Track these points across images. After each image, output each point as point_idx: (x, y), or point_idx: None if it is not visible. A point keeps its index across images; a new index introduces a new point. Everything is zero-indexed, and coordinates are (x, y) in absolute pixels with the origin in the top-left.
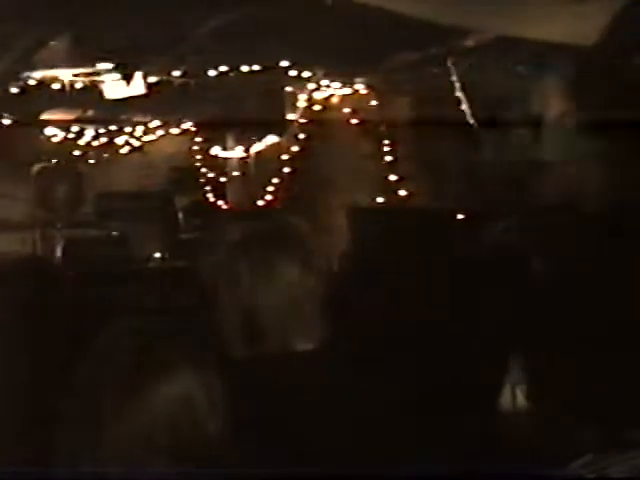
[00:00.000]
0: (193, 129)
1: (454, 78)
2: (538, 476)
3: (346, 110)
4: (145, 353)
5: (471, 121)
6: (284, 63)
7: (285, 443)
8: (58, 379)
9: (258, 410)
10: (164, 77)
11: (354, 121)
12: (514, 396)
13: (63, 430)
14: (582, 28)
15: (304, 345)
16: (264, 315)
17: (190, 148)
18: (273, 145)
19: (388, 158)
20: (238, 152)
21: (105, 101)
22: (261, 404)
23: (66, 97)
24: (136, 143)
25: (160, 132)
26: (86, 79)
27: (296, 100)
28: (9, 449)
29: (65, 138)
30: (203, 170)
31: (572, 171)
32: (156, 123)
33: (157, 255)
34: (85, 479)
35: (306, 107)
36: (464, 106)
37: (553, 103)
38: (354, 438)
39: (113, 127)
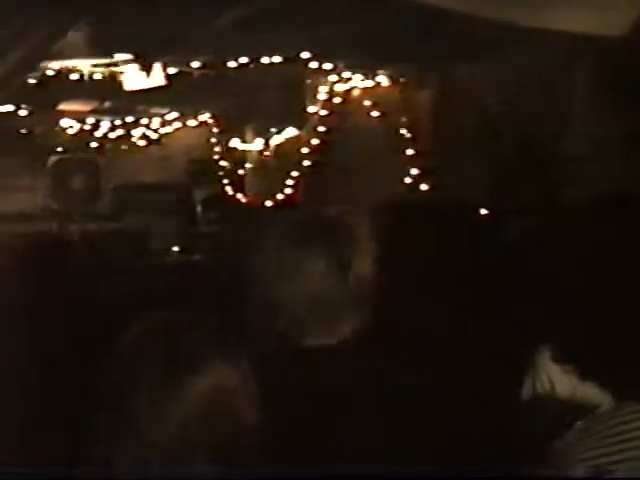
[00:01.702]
0: (211, 121)
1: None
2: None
3: (367, 103)
4: (167, 347)
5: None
6: (305, 55)
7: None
8: (71, 374)
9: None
10: (184, 69)
11: (375, 114)
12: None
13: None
14: (612, 19)
15: (331, 339)
16: (288, 309)
17: (208, 140)
18: (293, 138)
19: (410, 151)
20: (257, 145)
21: (124, 92)
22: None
23: (85, 88)
24: (153, 135)
25: (178, 124)
26: (105, 70)
27: (316, 92)
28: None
29: (82, 129)
30: (221, 162)
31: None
32: (174, 115)
33: (175, 248)
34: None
35: (326, 99)
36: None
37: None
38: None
39: (131, 118)
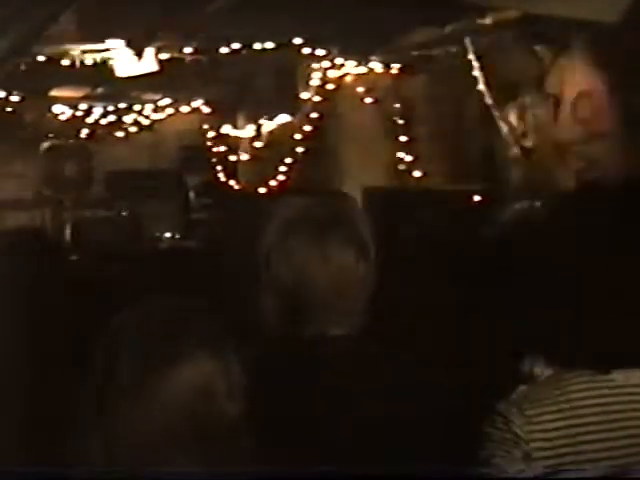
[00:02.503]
0: (204, 107)
1: (472, 57)
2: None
3: (360, 89)
4: (159, 335)
5: (489, 101)
6: (297, 41)
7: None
8: (64, 363)
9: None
10: (176, 54)
11: (368, 100)
12: None
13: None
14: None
15: (337, 330)
16: (284, 298)
17: (201, 126)
18: (285, 124)
19: (403, 138)
20: (249, 131)
21: (116, 78)
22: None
23: (77, 74)
24: (145, 121)
25: (170, 110)
26: (97, 56)
27: (309, 78)
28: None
29: (74, 115)
30: (214, 149)
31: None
32: (167, 101)
33: (167, 234)
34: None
35: (319, 86)
36: (481, 86)
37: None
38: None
39: (123, 105)
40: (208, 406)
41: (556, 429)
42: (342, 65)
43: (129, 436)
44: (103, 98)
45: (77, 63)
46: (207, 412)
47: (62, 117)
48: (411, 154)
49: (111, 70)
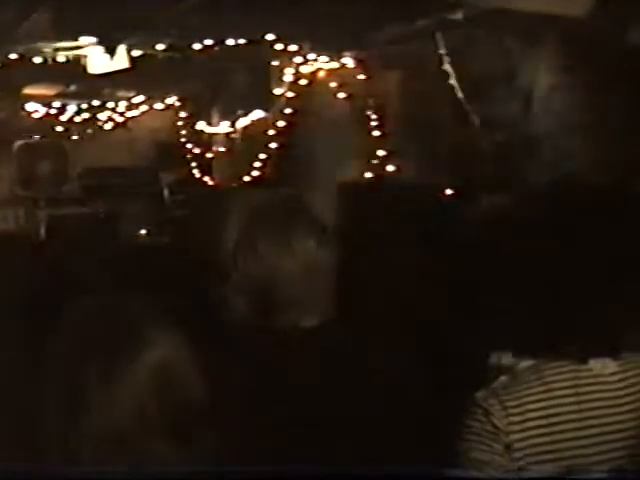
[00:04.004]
0: (178, 104)
1: (442, 51)
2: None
3: (333, 84)
4: (127, 331)
5: (459, 95)
6: (270, 37)
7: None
8: (39, 359)
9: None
10: (148, 51)
11: (341, 95)
12: None
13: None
14: None
15: (307, 321)
16: (252, 291)
17: (175, 123)
18: (259, 120)
19: (376, 133)
20: (223, 127)
21: (90, 76)
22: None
23: (49, 72)
24: (119, 119)
25: (144, 107)
26: (69, 53)
27: (282, 74)
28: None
29: (47, 113)
30: (188, 146)
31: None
32: (140, 98)
33: (143, 231)
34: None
35: (292, 81)
36: (452, 80)
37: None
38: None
39: (97, 102)
40: (170, 396)
41: (534, 419)
42: (314, 60)
43: (94, 430)
44: (77, 96)
45: (50, 61)
46: (170, 402)
47: (35, 115)
48: (384, 149)
49: (84, 67)
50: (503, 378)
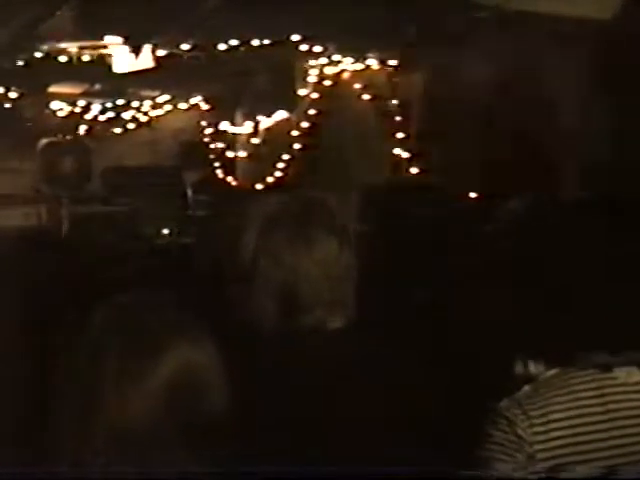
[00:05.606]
0: (202, 104)
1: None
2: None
3: (357, 86)
4: (154, 330)
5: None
6: (295, 37)
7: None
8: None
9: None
10: (173, 51)
11: (366, 97)
12: None
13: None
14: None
15: (331, 323)
16: (275, 293)
17: (199, 123)
18: (283, 121)
19: (400, 135)
20: (247, 128)
21: (115, 75)
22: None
23: (75, 70)
24: (144, 118)
25: (168, 107)
26: (94, 52)
27: (307, 75)
28: None
29: (72, 112)
30: (212, 146)
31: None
32: (165, 98)
33: (165, 231)
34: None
35: (317, 82)
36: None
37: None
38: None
39: (122, 101)
40: (194, 401)
41: (559, 429)
42: (339, 62)
43: (113, 431)
44: (101, 95)
45: (75, 59)
46: (193, 407)
47: (60, 113)
48: (408, 151)
49: (109, 66)
50: (526, 387)
